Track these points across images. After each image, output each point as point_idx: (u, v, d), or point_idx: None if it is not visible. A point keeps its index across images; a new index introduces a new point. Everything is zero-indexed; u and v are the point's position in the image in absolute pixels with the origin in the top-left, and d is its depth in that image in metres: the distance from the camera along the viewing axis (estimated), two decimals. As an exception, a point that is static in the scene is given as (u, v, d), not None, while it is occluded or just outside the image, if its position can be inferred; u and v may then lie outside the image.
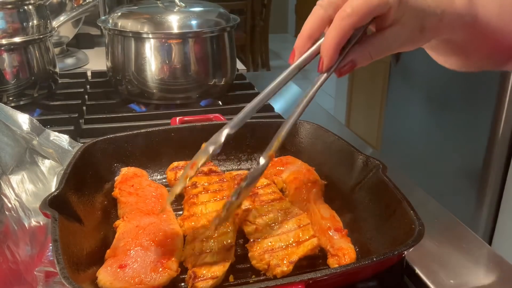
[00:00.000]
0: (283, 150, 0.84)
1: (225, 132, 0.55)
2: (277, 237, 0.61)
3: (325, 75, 0.56)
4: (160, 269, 0.55)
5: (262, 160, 0.54)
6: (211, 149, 0.54)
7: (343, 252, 0.59)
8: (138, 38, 1.07)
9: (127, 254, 0.56)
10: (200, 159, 0.54)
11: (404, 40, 0.55)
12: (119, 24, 1.09)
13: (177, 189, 0.54)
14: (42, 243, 0.62)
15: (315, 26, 0.55)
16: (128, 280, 0.52)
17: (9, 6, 1.04)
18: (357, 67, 0.56)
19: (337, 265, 0.58)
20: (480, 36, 0.60)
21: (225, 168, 0.84)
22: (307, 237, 0.60)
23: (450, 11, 0.56)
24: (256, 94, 1.22)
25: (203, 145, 0.55)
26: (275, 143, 0.55)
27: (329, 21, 0.54)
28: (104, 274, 0.53)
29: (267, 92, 0.58)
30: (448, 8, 0.56)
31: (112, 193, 0.71)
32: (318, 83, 0.56)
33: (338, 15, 0.52)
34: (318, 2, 0.55)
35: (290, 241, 0.60)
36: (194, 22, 1.09)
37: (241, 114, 0.56)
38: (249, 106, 0.57)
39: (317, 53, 0.56)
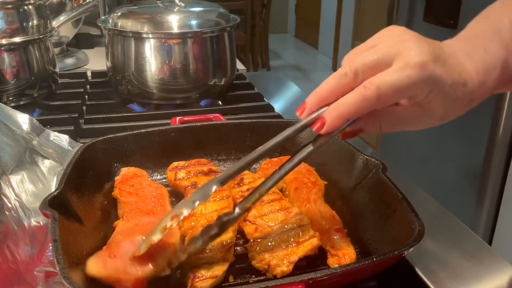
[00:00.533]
0: (283, 150, 0.84)
1: (213, 187, 0.51)
2: (277, 237, 0.61)
3: (321, 140, 0.52)
4: (149, 263, 0.54)
5: (237, 210, 0.53)
6: (196, 203, 0.51)
7: (343, 252, 0.59)
8: (138, 38, 1.07)
9: (118, 246, 0.56)
10: (182, 212, 0.51)
11: (423, 124, 0.52)
12: (119, 24, 1.09)
13: (153, 239, 0.52)
14: (42, 243, 0.62)
15: (333, 91, 0.49)
16: (114, 269, 0.53)
17: (9, 6, 1.04)
18: (363, 133, 0.53)
19: (337, 265, 0.58)
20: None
21: (225, 168, 0.84)
22: (307, 237, 0.60)
23: (479, 96, 0.52)
24: (256, 94, 1.23)
25: (188, 196, 0.52)
26: (256, 196, 0.53)
27: (350, 89, 0.48)
28: (92, 261, 0.54)
29: (264, 150, 0.53)
30: (477, 95, 0.52)
31: (112, 193, 0.71)
32: (303, 156, 0.53)
33: (361, 92, 0.47)
34: (345, 61, 0.49)
35: (290, 241, 0.60)
36: (194, 22, 1.09)
37: (231, 170, 0.53)
38: (241, 162, 0.53)
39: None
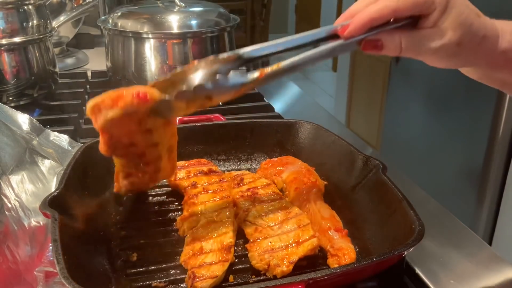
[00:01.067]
0: (283, 150, 0.84)
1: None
2: (277, 237, 0.61)
3: (340, 41, 0.55)
4: None
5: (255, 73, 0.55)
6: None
7: (343, 252, 0.59)
8: (138, 38, 1.07)
9: None
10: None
11: (438, 47, 0.54)
12: (119, 24, 1.09)
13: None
14: (42, 243, 0.62)
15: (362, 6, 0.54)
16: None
17: (9, 6, 1.04)
18: (381, 52, 0.55)
19: (337, 265, 0.58)
20: None
21: (225, 168, 0.84)
22: (307, 237, 0.60)
23: (492, 41, 0.56)
24: (256, 94, 1.23)
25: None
26: (274, 67, 0.57)
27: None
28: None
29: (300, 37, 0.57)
30: (490, 37, 0.56)
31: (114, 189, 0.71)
32: (331, 45, 0.55)
33: (383, 1, 0.53)
34: None
35: (290, 241, 0.60)
36: (194, 22, 1.09)
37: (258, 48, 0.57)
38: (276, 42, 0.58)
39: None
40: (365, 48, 0.55)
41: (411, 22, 0.55)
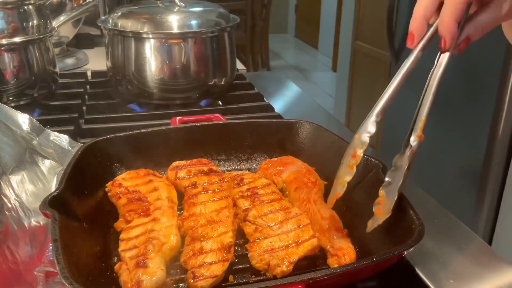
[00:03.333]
0: (283, 150, 0.84)
1: (373, 120, 0.58)
2: (277, 237, 0.61)
3: (447, 54, 0.57)
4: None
5: (413, 142, 0.57)
6: (366, 137, 0.58)
7: (343, 252, 0.59)
8: (138, 38, 1.07)
9: None
10: (360, 148, 0.59)
11: (508, 9, 0.56)
12: (119, 24, 1.09)
13: (347, 178, 0.59)
14: (42, 243, 0.62)
15: (429, 7, 0.56)
16: None
17: (9, 6, 1.04)
18: (471, 42, 0.57)
19: (337, 265, 0.58)
20: None
21: (225, 168, 0.84)
22: (307, 237, 0.60)
23: None
24: (256, 94, 1.23)
25: (356, 137, 0.59)
26: (420, 124, 0.58)
27: (439, 1, 0.55)
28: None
29: (403, 73, 0.59)
30: None
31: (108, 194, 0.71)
32: (444, 63, 0.57)
33: None
34: None
35: (290, 241, 0.60)
36: (194, 22, 1.09)
37: (383, 101, 0.59)
38: (389, 91, 0.59)
39: (433, 35, 0.57)
40: (460, 50, 0.57)
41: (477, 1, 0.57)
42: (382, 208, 0.58)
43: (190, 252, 0.59)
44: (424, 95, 0.58)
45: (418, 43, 0.57)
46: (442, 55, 0.57)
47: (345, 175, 0.59)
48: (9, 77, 1.06)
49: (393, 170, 0.59)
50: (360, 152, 0.58)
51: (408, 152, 0.57)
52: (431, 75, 0.58)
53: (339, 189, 0.59)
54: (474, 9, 0.58)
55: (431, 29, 0.57)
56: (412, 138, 0.57)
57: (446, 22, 0.54)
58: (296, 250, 0.59)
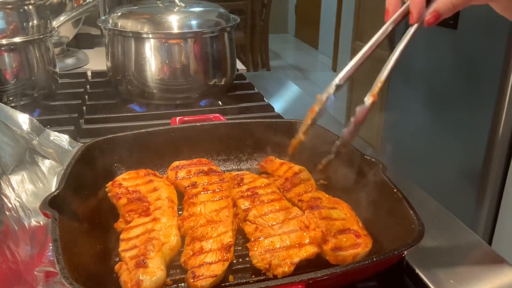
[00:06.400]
0: (283, 150, 0.84)
1: (334, 83, 0.64)
2: (278, 237, 0.61)
3: (414, 27, 0.61)
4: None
5: (367, 99, 0.61)
6: (324, 96, 0.65)
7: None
8: (138, 38, 1.07)
9: None
10: (317, 105, 0.65)
11: None
12: (119, 24, 1.09)
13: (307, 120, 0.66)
14: (42, 243, 0.62)
15: None
16: None
17: (9, 6, 1.04)
18: (441, 18, 0.60)
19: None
20: None
21: (225, 168, 0.84)
22: (307, 240, 0.60)
23: None
24: (256, 94, 1.23)
25: (318, 96, 0.66)
26: (378, 85, 0.62)
27: None
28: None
29: (373, 42, 0.64)
30: None
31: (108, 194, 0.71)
32: (409, 35, 0.61)
33: None
34: None
35: (292, 242, 0.60)
36: (194, 22, 1.09)
37: (349, 66, 0.64)
38: (357, 58, 0.64)
39: (406, 13, 0.62)
40: (429, 23, 0.60)
41: None
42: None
43: (190, 252, 0.59)
44: (387, 61, 0.62)
45: (392, 16, 0.62)
46: (409, 28, 0.62)
47: (304, 126, 0.67)
48: (9, 77, 1.06)
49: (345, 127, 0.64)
50: (317, 108, 0.66)
51: (359, 108, 0.62)
52: (397, 45, 0.62)
53: (296, 136, 0.67)
54: None
55: (404, 6, 0.62)
56: (366, 97, 0.61)
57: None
58: (298, 252, 0.58)
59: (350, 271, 0.52)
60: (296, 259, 0.57)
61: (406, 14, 0.62)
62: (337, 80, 0.64)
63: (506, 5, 0.65)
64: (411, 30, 0.61)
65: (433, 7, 0.59)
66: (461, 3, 0.58)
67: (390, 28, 0.63)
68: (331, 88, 0.65)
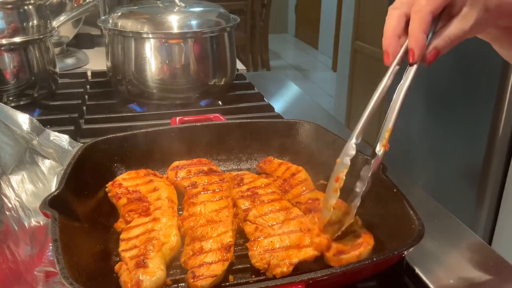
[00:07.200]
0: (283, 150, 0.84)
1: (353, 143, 0.60)
2: (277, 237, 0.61)
3: (415, 66, 0.58)
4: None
5: (378, 150, 0.59)
6: (347, 160, 0.60)
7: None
8: (138, 38, 1.07)
9: None
10: (343, 172, 0.60)
11: (474, 22, 0.57)
12: (119, 24, 1.09)
13: (332, 202, 0.60)
14: (42, 243, 0.62)
15: (395, 24, 0.59)
16: None
17: (9, 6, 1.04)
18: (441, 54, 0.59)
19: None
20: None
21: (225, 168, 0.84)
22: (307, 242, 0.60)
23: None
24: (256, 94, 1.23)
25: (338, 161, 0.61)
26: (386, 134, 0.59)
27: (406, 18, 0.59)
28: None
29: (380, 91, 0.61)
30: None
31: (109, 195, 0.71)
32: (411, 76, 0.59)
33: (415, 8, 0.57)
34: (390, 7, 0.60)
35: (292, 243, 0.60)
36: (194, 22, 1.09)
37: (362, 122, 0.61)
38: (368, 111, 0.61)
39: (405, 53, 0.59)
40: (429, 62, 0.59)
41: (445, 16, 0.59)
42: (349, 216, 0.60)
43: (190, 252, 0.59)
44: (391, 106, 0.60)
45: (394, 59, 0.59)
46: (409, 68, 0.59)
47: (330, 199, 0.60)
48: (9, 77, 1.06)
49: (360, 180, 0.60)
50: (342, 175, 0.60)
51: (373, 161, 0.59)
52: (399, 87, 0.60)
53: (326, 214, 0.60)
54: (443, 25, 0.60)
55: (404, 45, 0.59)
56: (377, 148, 0.59)
57: (414, 34, 0.57)
58: (298, 253, 0.58)
59: (350, 271, 0.52)
60: (295, 260, 0.57)
61: (406, 53, 0.59)
62: (354, 139, 0.60)
63: (494, 36, 0.66)
64: (411, 71, 0.59)
65: (433, 44, 0.58)
66: (458, 38, 0.58)
67: (396, 70, 0.60)
68: (352, 149, 0.60)
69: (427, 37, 0.57)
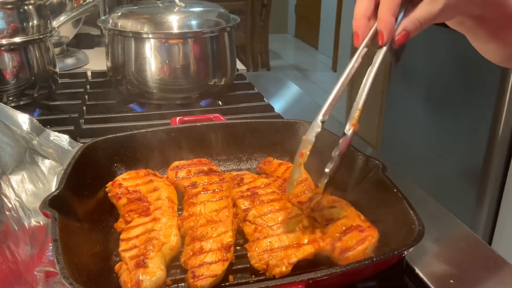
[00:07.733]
0: (283, 150, 0.84)
1: (319, 120, 0.60)
2: (276, 237, 0.61)
3: (384, 49, 0.58)
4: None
5: (347, 129, 0.58)
6: (312, 136, 0.60)
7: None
8: (138, 38, 1.07)
9: None
10: (307, 148, 0.59)
11: (443, 5, 0.57)
12: (119, 24, 1.09)
13: (295, 176, 0.60)
14: (42, 243, 0.62)
15: (365, 6, 0.59)
16: None
17: (9, 6, 1.04)
18: (410, 37, 0.58)
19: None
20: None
21: (225, 168, 0.84)
22: (306, 240, 0.60)
23: None
24: (256, 94, 1.23)
25: (304, 137, 0.61)
26: (356, 113, 0.59)
27: (376, 1, 0.59)
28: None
29: (348, 72, 0.61)
30: None
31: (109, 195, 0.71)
32: (380, 58, 0.59)
33: None
34: None
35: (290, 242, 0.60)
36: (194, 22, 1.09)
37: (329, 101, 0.61)
38: (335, 90, 0.61)
39: (375, 35, 0.59)
40: (398, 43, 0.59)
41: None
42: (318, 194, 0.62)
43: (190, 252, 0.59)
44: (361, 88, 0.60)
45: (363, 41, 0.60)
46: (379, 50, 0.59)
47: (294, 173, 0.60)
48: (9, 77, 1.06)
49: (330, 160, 0.60)
50: (306, 151, 0.60)
51: (342, 140, 0.59)
52: (369, 70, 0.60)
53: (290, 187, 0.61)
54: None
55: (373, 27, 0.60)
56: (347, 127, 0.59)
57: (383, 16, 0.57)
58: (296, 252, 0.58)
59: (350, 271, 0.52)
60: (294, 259, 0.57)
61: (375, 36, 0.59)
62: (320, 117, 0.60)
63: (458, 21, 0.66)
64: (381, 52, 0.59)
65: (402, 26, 0.58)
66: (427, 21, 0.58)
67: (363, 52, 0.60)
68: (317, 127, 0.60)
69: (397, 19, 0.57)
